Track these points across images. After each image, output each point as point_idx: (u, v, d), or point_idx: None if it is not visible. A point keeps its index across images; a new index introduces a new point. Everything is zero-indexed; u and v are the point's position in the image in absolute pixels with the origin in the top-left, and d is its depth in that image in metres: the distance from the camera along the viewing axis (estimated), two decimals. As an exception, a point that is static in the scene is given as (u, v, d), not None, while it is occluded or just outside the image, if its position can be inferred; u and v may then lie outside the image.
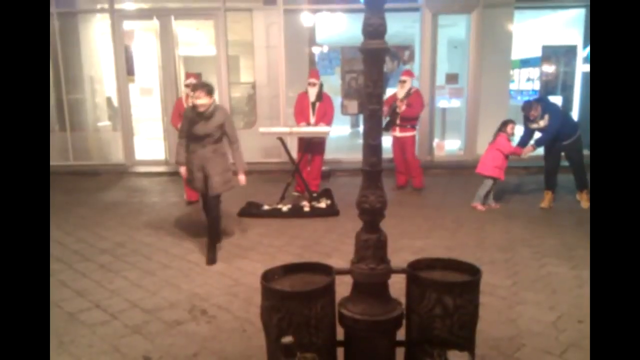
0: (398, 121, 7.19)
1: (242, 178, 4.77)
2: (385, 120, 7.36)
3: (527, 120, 6.34)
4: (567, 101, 10.53)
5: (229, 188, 4.70)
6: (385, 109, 7.31)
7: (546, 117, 6.09)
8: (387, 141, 10.43)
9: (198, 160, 4.56)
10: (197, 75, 6.78)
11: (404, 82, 7.19)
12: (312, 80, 6.93)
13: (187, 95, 6.47)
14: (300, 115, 6.97)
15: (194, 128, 4.51)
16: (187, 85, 6.52)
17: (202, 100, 4.41)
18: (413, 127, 7.31)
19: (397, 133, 7.31)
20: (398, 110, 7.23)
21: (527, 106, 6.28)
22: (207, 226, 4.72)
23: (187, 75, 6.88)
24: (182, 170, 4.74)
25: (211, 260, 4.53)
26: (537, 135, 6.39)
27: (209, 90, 4.47)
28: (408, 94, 7.13)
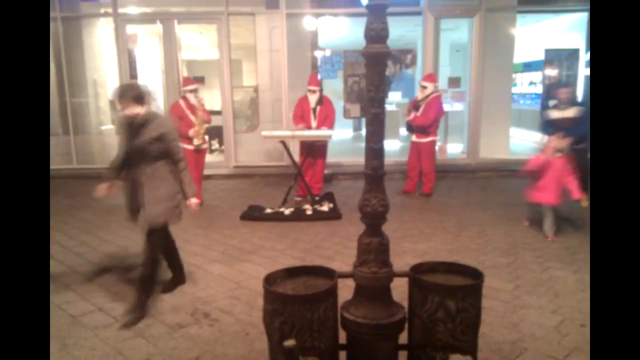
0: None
1: (192, 202, 3.74)
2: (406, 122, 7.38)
3: (547, 109, 6.10)
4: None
5: (170, 219, 3.66)
6: (405, 112, 7.34)
7: (576, 108, 5.86)
8: (393, 145, 10.36)
9: (129, 185, 3.62)
10: (199, 80, 6.84)
11: (424, 87, 7.07)
12: (312, 87, 6.91)
13: (187, 100, 6.54)
14: (300, 118, 6.97)
15: (128, 143, 3.58)
16: (190, 91, 6.58)
17: (129, 110, 3.46)
18: (431, 133, 7.14)
19: (414, 138, 7.26)
20: (407, 118, 7.18)
21: (558, 86, 6.14)
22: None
23: (188, 81, 6.89)
24: (99, 188, 3.68)
25: (129, 323, 3.40)
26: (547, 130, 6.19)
27: (135, 97, 3.46)
28: (425, 100, 7.02)
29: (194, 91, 6.62)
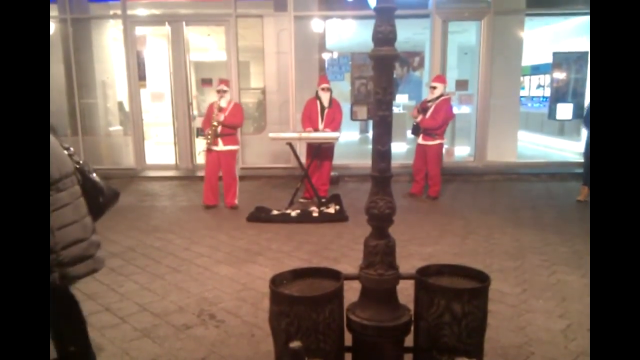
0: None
1: None
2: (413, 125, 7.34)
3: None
4: (578, 108, 10.47)
5: None
6: (414, 112, 7.30)
7: None
8: (400, 147, 10.34)
9: None
10: (226, 81, 6.81)
11: (434, 88, 7.05)
12: (325, 85, 6.94)
13: (214, 103, 6.55)
14: (308, 120, 7.00)
15: None
16: (217, 91, 6.59)
17: None
18: (439, 136, 7.09)
19: (420, 140, 7.21)
20: (416, 120, 7.15)
21: None
22: None
23: (219, 82, 6.87)
24: None
25: None
26: None
27: None
28: (434, 102, 7.00)
29: (220, 92, 6.59)
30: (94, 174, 2.56)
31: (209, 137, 6.53)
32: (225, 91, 6.59)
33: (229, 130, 6.59)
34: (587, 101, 6.61)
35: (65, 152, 2.42)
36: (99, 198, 2.54)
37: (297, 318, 2.12)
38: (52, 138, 2.30)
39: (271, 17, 9.33)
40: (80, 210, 2.39)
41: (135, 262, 4.71)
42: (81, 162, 2.51)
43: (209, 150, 6.61)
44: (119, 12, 9.40)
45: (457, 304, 2.18)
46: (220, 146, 6.58)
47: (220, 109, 6.53)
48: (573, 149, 10.81)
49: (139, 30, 9.93)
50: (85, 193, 2.47)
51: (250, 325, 3.41)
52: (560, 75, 10.69)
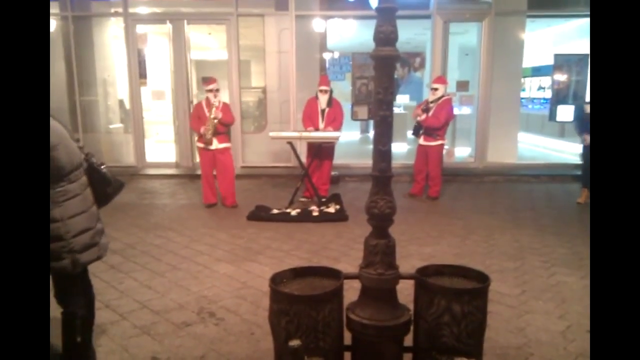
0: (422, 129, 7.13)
1: None
2: (414, 125, 7.34)
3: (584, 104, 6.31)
4: (579, 110, 10.46)
5: None
6: (418, 111, 7.28)
7: None
8: (401, 147, 10.33)
9: None
10: (215, 80, 6.78)
11: (435, 89, 7.06)
12: (324, 87, 6.94)
13: (208, 100, 6.52)
14: (309, 120, 7.00)
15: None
16: (209, 90, 6.57)
17: None
18: (440, 137, 7.09)
19: (422, 141, 7.21)
20: (418, 118, 7.15)
21: None
22: None
23: (210, 81, 6.83)
24: None
25: None
26: None
27: None
28: (436, 102, 7.00)
29: (212, 91, 6.57)
30: (103, 166, 2.68)
31: (209, 133, 6.51)
32: (218, 90, 6.62)
33: (222, 129, 6.60)
34: (584, 105, 6.73)
35: (75, 143, 2.52)
36: (107, 188, 2.70)
37: (297, 317, 2.12)
38: (63, 130, 2.41)
39: (272, 16, 9.32)
40: (88, 201, 2.53)
41: (135, 259, 4.71)
42: (89, 153, 2.62)
43: (204, 150, 6.60)
44: (120, 10, 9.39)
45: (456, 304, 2.19)
46: (215, 144, 6.57)
47: (216, 107, 6.54)
48: (573, 150, 10.82)
49: (140, 29, 9.94)
50: (93, 183, 2.60)
51: (249, 323, 3.41)
52: (561, 77, 10.69)
